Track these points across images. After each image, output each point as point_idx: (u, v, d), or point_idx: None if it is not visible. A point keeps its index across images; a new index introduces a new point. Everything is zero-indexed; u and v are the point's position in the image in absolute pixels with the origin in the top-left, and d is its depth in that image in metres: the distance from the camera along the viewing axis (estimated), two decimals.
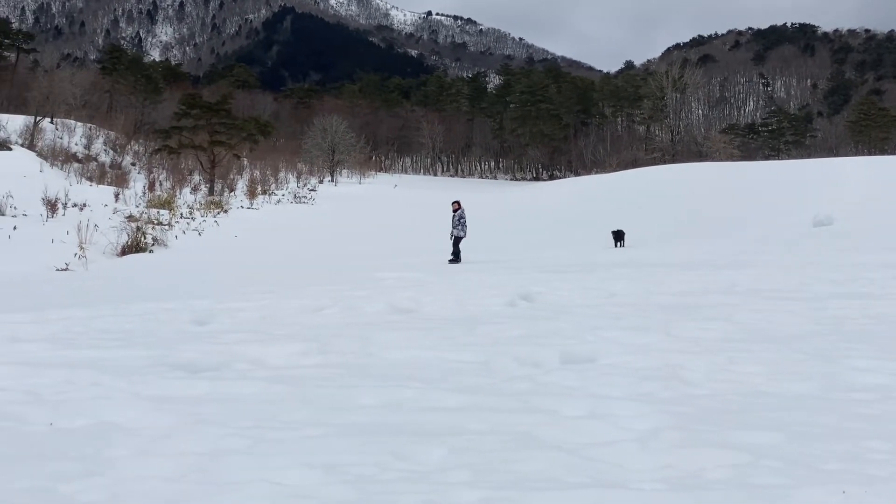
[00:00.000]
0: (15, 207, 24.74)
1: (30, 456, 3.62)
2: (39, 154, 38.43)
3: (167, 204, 32.25)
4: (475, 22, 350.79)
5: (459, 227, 19.94)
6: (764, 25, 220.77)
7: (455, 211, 20.28)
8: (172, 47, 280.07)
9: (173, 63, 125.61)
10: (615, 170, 68.18)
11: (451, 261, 19.15)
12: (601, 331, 6.95)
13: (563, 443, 3.79)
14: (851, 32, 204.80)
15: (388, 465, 3.50)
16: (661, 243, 24.31)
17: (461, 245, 19.92)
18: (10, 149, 36.79)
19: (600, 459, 3.55)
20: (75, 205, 27.14)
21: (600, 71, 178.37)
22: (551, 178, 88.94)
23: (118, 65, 75.45)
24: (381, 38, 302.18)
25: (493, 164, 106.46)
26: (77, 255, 20.37)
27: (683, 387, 4.97)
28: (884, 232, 22.69)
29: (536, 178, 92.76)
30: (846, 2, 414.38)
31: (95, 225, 22.78)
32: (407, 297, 9.65)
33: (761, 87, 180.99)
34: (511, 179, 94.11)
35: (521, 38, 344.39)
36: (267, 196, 42.49)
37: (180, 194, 37.39)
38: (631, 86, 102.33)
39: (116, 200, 31.59)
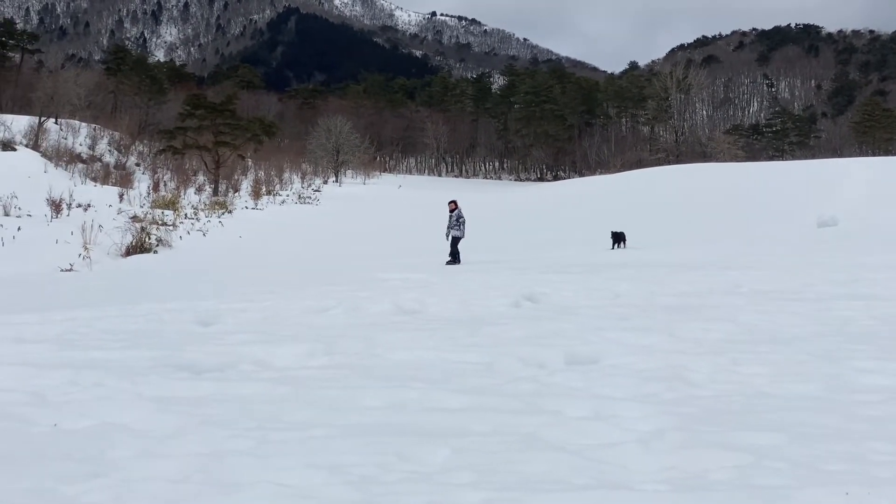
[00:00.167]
0: (19, 208, 24.82)
1: (34, 457, 3.63)
2: (44, 154, 38.43)
3: (171, 204, 32.28)
4: (479, 22, 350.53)
5: (457, 228, 19.17)
6: (768, 26, 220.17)
7: (452, 211, 19.45)
8: (177, 48, 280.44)
9: (178, 64, 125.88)
10: (619, 170, 68.25)
11: (448, 262, 18.37)
12: (605, 332, 6.95)
13: (566, 444, 3.80)
14: (856, 33, 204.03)
15: (392, 466, 3.50)
16: (665, 243, 24.24)
17: (459, 246, 19.16)
18: (15, 149, 36.83)
19: (604, 460, 3.56)
20: (79, 205, 27.17)
21: (605, 72, 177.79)
22: (556, 178, 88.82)
23: (123, 65, 75.45)
24: (385, 38, 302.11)
25: (497, 164, 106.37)
26: (81, 256, 20.44)
27: (687, 388, 4.97)
28: (888, 233, 22.61)
29: (541, 179, 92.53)
30: (850, 3, 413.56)
31: (100, 225, 22.83)
32: (411, 297, 9.64)
33: (765, 88, 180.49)
34: (515, 180, 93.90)
35: (525, 39, 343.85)
36: (271, 196, 42.51)
37: (185, 195, 37.43)
38: (635, 86, 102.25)
39: (121, 201, 31.64)
